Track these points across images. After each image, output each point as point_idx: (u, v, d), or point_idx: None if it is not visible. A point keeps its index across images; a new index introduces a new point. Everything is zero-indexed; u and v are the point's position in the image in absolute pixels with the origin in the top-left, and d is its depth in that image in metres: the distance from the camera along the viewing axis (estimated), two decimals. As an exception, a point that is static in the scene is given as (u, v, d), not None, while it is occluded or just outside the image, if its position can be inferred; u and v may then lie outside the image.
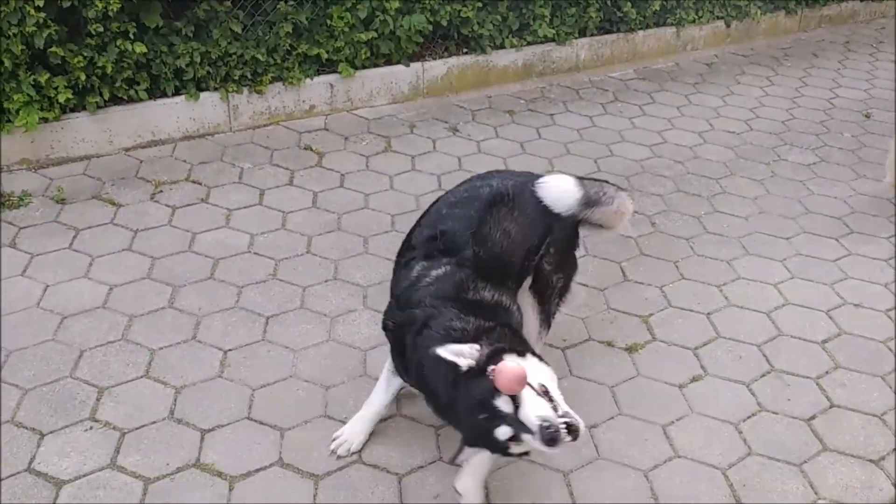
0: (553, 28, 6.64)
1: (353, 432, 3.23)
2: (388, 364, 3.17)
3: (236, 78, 5.41)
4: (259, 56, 5.41)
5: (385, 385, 3.21)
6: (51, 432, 3.24)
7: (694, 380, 3.71)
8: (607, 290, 4.27)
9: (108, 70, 4.91)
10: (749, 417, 3.50)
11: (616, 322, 4.04)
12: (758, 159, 5.73)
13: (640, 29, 7.22)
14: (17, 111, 4.70)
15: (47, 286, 4.02)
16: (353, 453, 3.20)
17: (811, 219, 5.04)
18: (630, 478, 3.20)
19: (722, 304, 4.22)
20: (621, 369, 3.74)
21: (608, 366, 3.76)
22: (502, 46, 6.51)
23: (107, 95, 5.03)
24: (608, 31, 7.10)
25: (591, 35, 6.98)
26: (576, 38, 6.86)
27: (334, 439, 3.22)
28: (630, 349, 3.87)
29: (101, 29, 4.81)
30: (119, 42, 4.89)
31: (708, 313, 4.13)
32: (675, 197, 5.17)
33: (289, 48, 5.55)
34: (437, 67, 6.25)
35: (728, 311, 4.17)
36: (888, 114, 6.54)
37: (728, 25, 7.81)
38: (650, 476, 3.21)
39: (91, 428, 3.27)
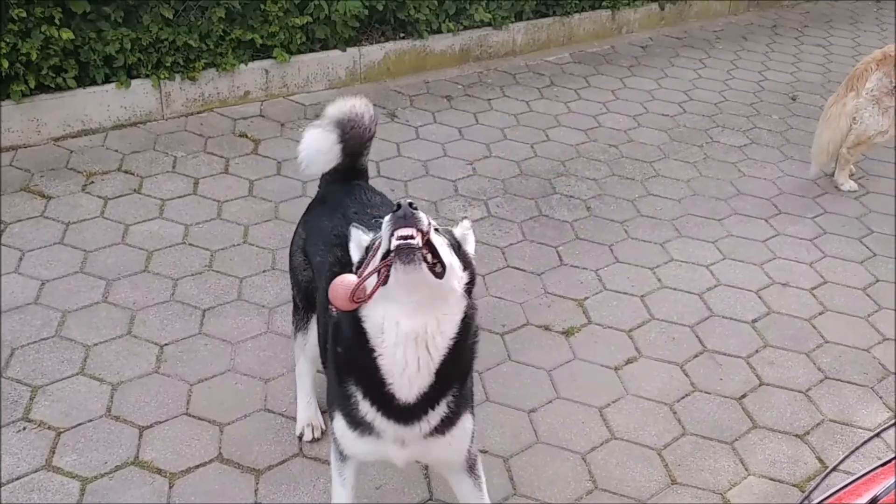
0: (489, 12, 6.66)
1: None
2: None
3: (168, 64, 5.30)
4: (191, 42, 5.31)
5: None
6: (-19, 434, 3.17)
7: (629, 362, 3.80)
8: (544, 274, 4.33)
9: (33, 57, 4.77)
10: (683, 398, 3.61)
11: (553, 306, 4.10)
12: (691, 142, 5.85)
13: (576, 12, 7.28)
14: (-63, 100, 4.55)
15: (-26, 282, 3.91)
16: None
17: (742, 200, 5.18)
18: (568, 461, 3.27)
19: (655, 286, 4.32)
20: (558, 353, 3.81)
21: (545, 350, 3.82)
22: (439, 31, 6.50)
23: (32, 83, 4.88)
24: (544, 15, 7.14)
25: (528, 19, 7.01)
26: (512, 22, 6.88)
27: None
28: (567, 333, 3.94)
29: (24, 14, 4.67)
30: (44, 28, 4.75)
31: (642, 296, 4.23)
32: (609, 181, 5.26)
33: (222, 33, 5.46)
34: (374, 52, 6.21)
35: (661, 293, 4.27)
36: (813, 96, 6.73)
37: (662, 8, 7.93)
38: (588, 458, 3.28)
39: (24, 429, 3.21)
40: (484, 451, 3.25)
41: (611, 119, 6.10)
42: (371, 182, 3.26)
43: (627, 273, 4.39)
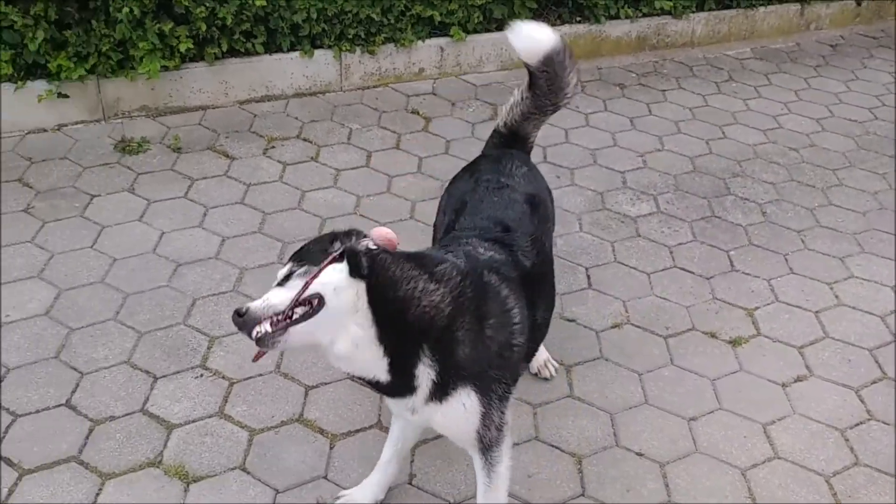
0: (671, 0, 6.45)
1: None
2: None
3: (350, 37, 5.44)
4: (374, 15, 5.42)
5: None
6: (163, 376, 3.39)
7: (798, 379, 3.62)
8: (713, 278, 4.18)
9: (228, 21, 5.00)
10: (857, 425, 3.40)
11: (721, 313, 3.96)
12: (881, 151, 5.48)
13: (762, 5, 6.94)
14: (141, 59, 4.84)
15: (163, 233, 4.17)
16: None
17: (934, 219, 4.82)
18: (727, 475, 3.16)
19: (832, 302, 4.09)
20: (724, 362, 3.68)
21: (710, 358, 3.70)
22: (617, 16, 6.36)
23: (225, 47, 5.13)
24: (727, 6, 6.85)
25: (710, 10, 6.74)
26: (693, 11, 6.64)
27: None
28: (734, 342, 3.79)
29: (224, -19, 4.90)
30: (241, -6, 4.98)
31: (817, 311, 4.01)
32: (788, 186, 5.00)
33: (403, 9, 5.54)
34: (549, 35, 6.13)
35: (838, 310, 4.04)
36: None
37: (859, 4, 7.42)
38: (748, 475, 3.16)
39: (202, 375, 3.40)
40: (640, 455, 3.20)
41: (792, 121, 5.80)
42: (538, 168, 3.25)
43: (802, 286, 4.17)
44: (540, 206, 2.96)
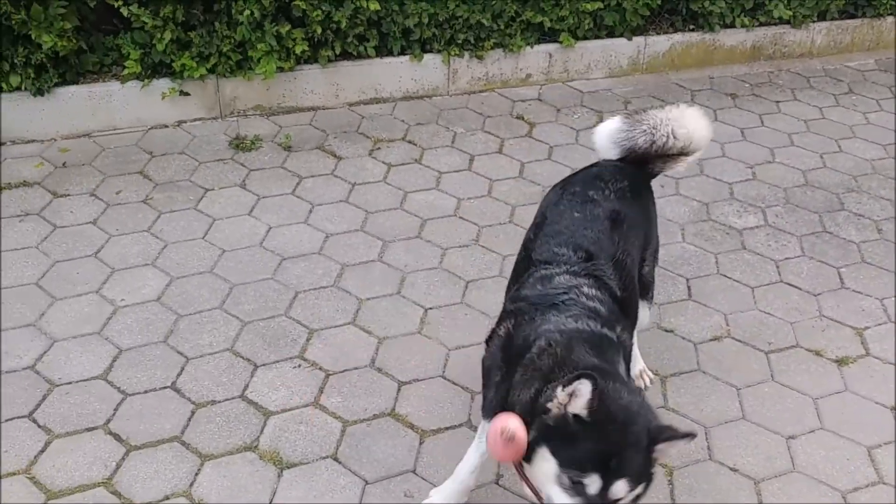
0: (790, 9, 6.25)
1: None
2: None
3: (459, 41, 5.50)
4: (484, 21, 5.46)
5: None
6: (263, 365, 3.51)
7: (909, 404, 3.46)
8: (821, 295, 4.03)
9: (343, 25, 5.14)
10: (970, 455, 3.22)
11: (827, 331, 3.81)
12: None
13: (890, 14, 6.63)
14: (259, 60, 5.04)
15: (270, 227, 4.32)
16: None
17: None
18: (826, 496, 3.05)
19: (951, 326, 3.88)
20: (828, 382, 3.54)
21: (814, 376, 3.57)
22: (732, 25, 6.20)
23: (338, 50, 5.27)
24: (852, 16, 6.58)
25: (832, 19, 6.50)
26: (814, 21, 6.41)
27: None
28: (840, 361, 3.65)
29: (340, -14, 5.05)
30: (356, -1, 5.12)
31: (933, 334, 3.82)
32: (907, 204, 4.77)
33: (513, 14, 5.57)
34: (660, 43, 6.06)
35: (957, 334, 3.83)
36: None
37: None
38: (848, 498, 3.04)
39: (300, 366, 3.51)
40: (734, 470, 3.12)
41: (916, 135, 5.52)
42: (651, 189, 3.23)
43: (918, 307, 3.98)
44: (623, 223, 2.85)
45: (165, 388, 3.38)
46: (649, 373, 3.49)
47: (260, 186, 4.62)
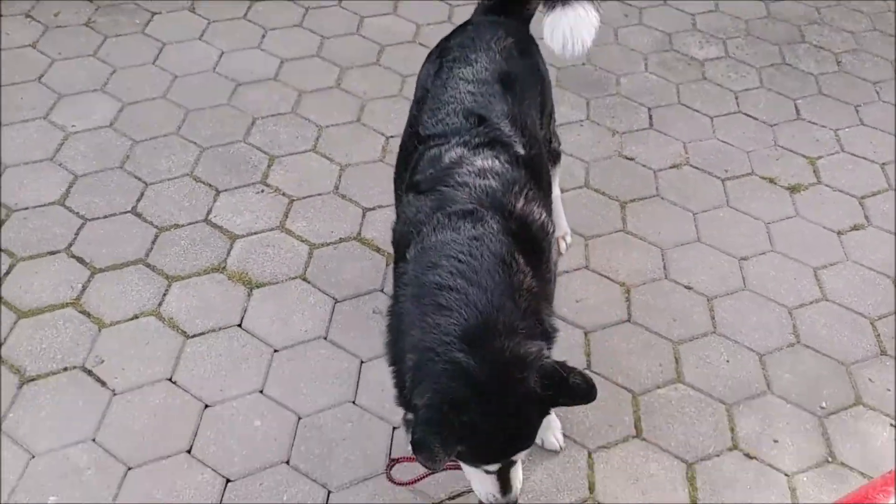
0: None
1: None
2: None
3: None
4: None
5: None
6: (225, 190, 3.47)
7: (855, 228, 3.59)
8: (777, 126, 4.08)
9: None
10: (910, 273, 3.40)
11: (782, 160, 3.90)
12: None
13: None
14: None
15: (223, 52, 4.16)
16: None
17: None
18: (774, 312, 3.20)
19: (900, 155, 3.99)
20: (780, 207, 3.65)
21: (767, 202, 3.67)
22: None
23: None
24: None
25: None
26: None
27: None
28: (792, 189, 3.75)
29: None
30: None
31: (883, 163, 3.92)
32: (869, 36, 4.76)
33: None
34: None
35: (906, 163, 3.95)
36: None
37: None
38: (794, 314, 3.20)
39: (262, 191, 3.48)
40: (688, 288, 3.25)
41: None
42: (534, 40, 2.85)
43: (871, 137, 4.06)
44: (515, 85, 2.53)
45: (126, 212, 3.33)
46: (569, 238, 3.34)
47: (209, 10, 4.42)
